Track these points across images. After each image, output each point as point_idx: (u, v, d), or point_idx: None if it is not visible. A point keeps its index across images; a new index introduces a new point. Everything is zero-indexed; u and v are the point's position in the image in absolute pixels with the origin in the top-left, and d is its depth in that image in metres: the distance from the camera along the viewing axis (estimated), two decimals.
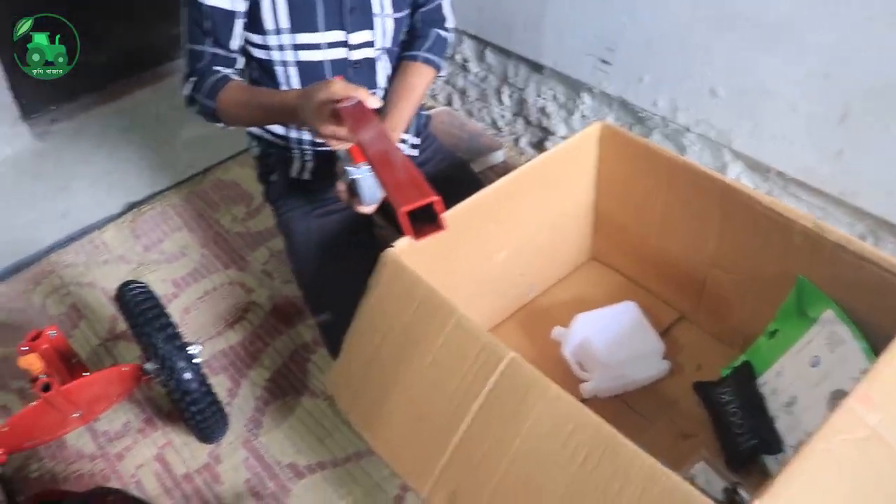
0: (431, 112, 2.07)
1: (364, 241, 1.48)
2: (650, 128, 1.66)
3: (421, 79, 1.47)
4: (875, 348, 1.13)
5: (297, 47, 1.33)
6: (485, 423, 1.02)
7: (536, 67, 1.88)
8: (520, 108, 2.01)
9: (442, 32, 1.50)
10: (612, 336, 1.38)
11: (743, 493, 1.17)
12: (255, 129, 1.46)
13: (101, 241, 1.94)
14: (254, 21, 1.30)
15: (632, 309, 1.43)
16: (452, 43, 1.53)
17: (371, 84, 1.43)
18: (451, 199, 1.27)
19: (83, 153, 2.23)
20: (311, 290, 1.46)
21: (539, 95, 1.91)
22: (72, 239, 1.95)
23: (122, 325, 1.65)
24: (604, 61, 1.67)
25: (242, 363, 1.59)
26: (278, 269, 1.79)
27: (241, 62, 1.36)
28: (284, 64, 1.35)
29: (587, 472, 0.92)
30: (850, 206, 1.39)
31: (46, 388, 1.23)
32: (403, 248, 1.20)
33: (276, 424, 1.46)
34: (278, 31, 1.31)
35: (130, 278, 1.44)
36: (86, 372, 1.41)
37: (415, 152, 1.52)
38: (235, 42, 1.32)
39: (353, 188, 1.21)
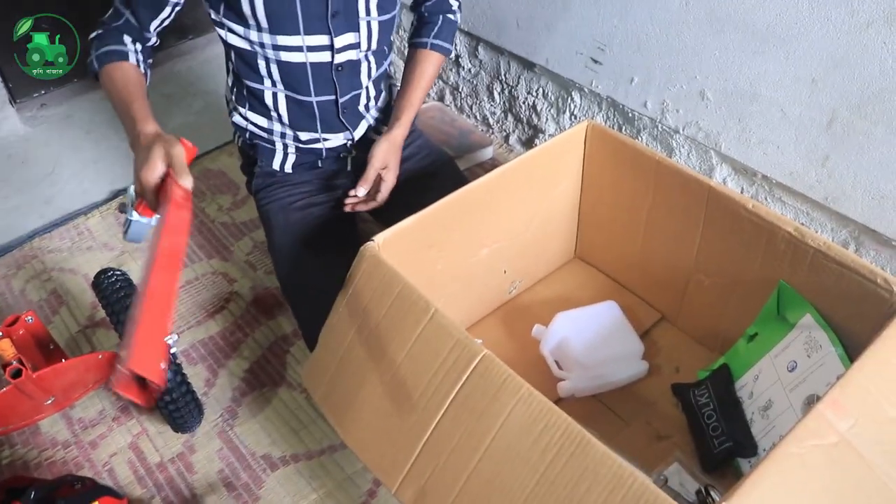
0: (422, 107, 2.07)
1: (345, 235, 1.47)
2: (639, 128, 1.66)
3: (430, 65, 1.49)
4: (851, 355, 1.13)
5: (277, 48, 1.31)
6: (455, 420, 1.01)
7: (528, 65, 1.87)
8: (510, 106, 2.00)
9: (450, 16, 1.51)
10: (591, 336, 1.37)
11: (715, 494, 1.16)
12: (239, 120, 1.45)
13: (86, 227, 1.93)
14: (233, 9, 1.28)
15: (612, 309, 1.43)
16: (460, 23, 1.56)
17: (356, 85, 1.42)
18: (434, 195, 1.27)
19: (71, 139, 2.21)
20: (289, 283, 1.45)
21: (530, 93, 1.91)
22: (56, 225, 1.94)
23: (103, 313, 1.64)
24: (595, 61, 1.66)
25: (221, 353, 1.58)
26: (262, 260, 1.78)
27: (152, 41, 1.32)
28: (266, 60, 1.33)
29: (556, 472, 0.92)
30: (833, 211, 1.39)
31: (17, 374, 1.22)
32: (384, 243, 1.20)
33: (252, 415, 1.45)
34: (259, 28, 1.29)
35: (112, 265, 1.44)
36: (64, 358, 1.40)
37: None
38: (154, 24, 1.30)
39: (125, 225, 1.23)
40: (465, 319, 1.48)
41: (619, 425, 1.34)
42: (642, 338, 1.44)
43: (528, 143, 2.00)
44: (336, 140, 1.46)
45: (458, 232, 1.34)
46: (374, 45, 1.40)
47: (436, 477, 1.02)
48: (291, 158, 1.45)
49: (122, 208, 1.22)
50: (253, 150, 1.47)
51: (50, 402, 1.38)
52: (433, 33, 1.49)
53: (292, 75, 1.34)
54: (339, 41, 1.33)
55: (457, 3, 1.52)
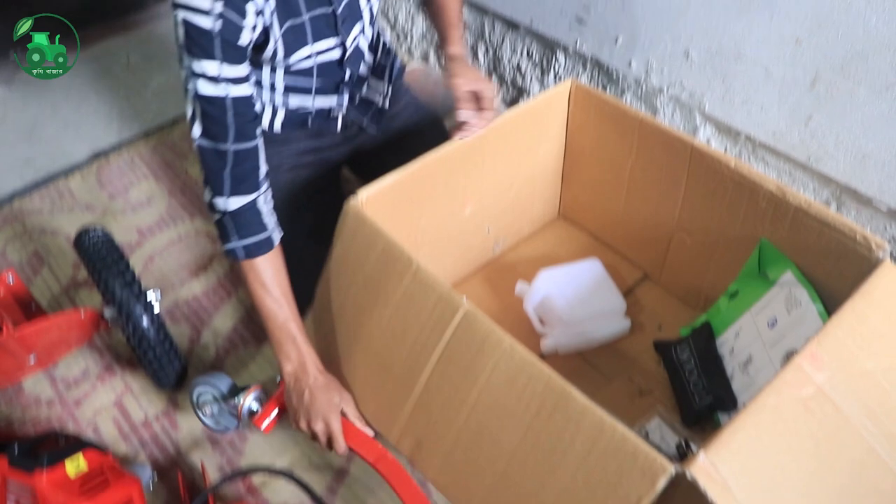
0: (407, 70, 2.05)
1: (332, 195, 1.47)
2: (623, 88, 1.65)
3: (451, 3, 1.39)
4: (830, 311, 1.14)
5: (289, 68, 1.29)
6: (443, 375, 1.03)
7: (512, 25, 1.86)
8: (495, 66, 1.99)
9: None
10: (574, 293, 1.38)
11: (694, 447, 1.18)
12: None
13: (66, 188, 1.91)
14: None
15: (595, 266, 1.44)
16: None
17: (357, 64, 1.39)
18: (419, 153, 1.26)
19: (50, 100, 2.18)
20: None
21: (514, 53, 1.89)
22: (36, 186, 1.91)
23: (85, 273, 1.64)
24: (579, 20, 1.65)
25: (205, 312, 1.58)
26: None
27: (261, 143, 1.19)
28: (272, 69, 1.30)
29: (541, 423, 0.94)
30: (816, 171, 1.39)
31: None
32: (367, 199, 1.19)
33: (236, 373, 1.46)
34: (273, 60, 1.24)
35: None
36: None
37: (386, 104, 1.50)
38: (257, 129, 1.16)
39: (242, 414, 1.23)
40: (448, 277, 1.49)
41: (601, 382, 1.35)
42: (625, 296, 1.45)
43: (513, 104, 1.97)
44: (328, 102, 1.44)
45: (442, 190, 1.34)
46: (372, 21, 1.37)
47: (430, 429, 1.05)
48: (280, 116, 1.43)
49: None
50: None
51: (32, 360, 1.37)
52: None
53: (295, 74, 1.33)
54: (349, 40, 1.30)
55: None
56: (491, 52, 1.97)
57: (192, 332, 1.54)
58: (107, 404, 1.43)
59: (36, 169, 1.96)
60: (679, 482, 0.85)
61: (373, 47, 1.43)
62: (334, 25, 1.25)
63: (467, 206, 1.41)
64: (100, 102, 2.17)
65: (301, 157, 1.44)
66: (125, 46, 2.40)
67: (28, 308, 1.48)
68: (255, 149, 1.15)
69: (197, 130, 1.11)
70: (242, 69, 1.08)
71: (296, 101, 1.38)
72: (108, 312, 1.34)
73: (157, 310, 1.30)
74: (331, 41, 1.27)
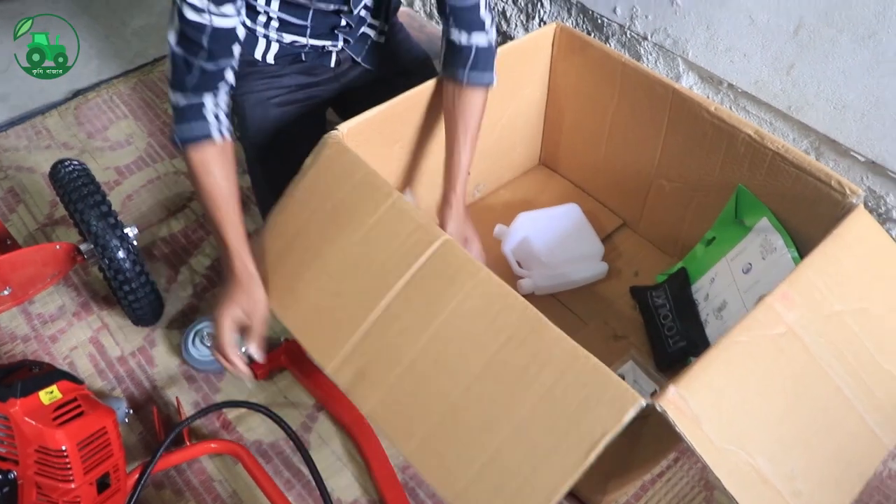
0: None
1: (317, 133, 1.45)
2: (608, 35, 1.64)
3: (473, 108, 1.28)
4: (804, 256, 1.15)
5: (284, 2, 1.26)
6: (407, 301, 1.01)
7: None
8: (443, 96, 1.96)
9: (482, 43, 1.25)
10: (553, 236, 1.39)
11: None
12: None
13: (44, 126, 1.88)
14: None
15: (574, 211, 1.44)
16: (495, 44, 1.29)
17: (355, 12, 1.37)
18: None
19: (27, 37, 2.13)
20: (260, 179, 1.43)
21: None
22: (12, 123, 1.88)
23: (62, 211, 1.62)
24: None
25: (183, 251, 1.57)
26: None
27: (235, 62, 1.15)
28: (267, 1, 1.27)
29: (510, 353, 0.93)
30: (796, 121, 1.39)
31: None
32: (348, 132, 1.18)
33: (212, 310, 1.45)
34: None
35: None
36: None
37: (381, 39, 1.47)
38: (236, 47, 1.12)
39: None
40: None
41: (576, 324, 1.36)
42: (604, 242, 1.46)
43: None
44: (323, 42, 1.41)
45: (423, 128, 1.34)
46: None
47: (378, 357, 1.02)
48: (274, 49, 1.40)
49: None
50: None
51: (7, 292, 1.36)
52: (469, 65, 1.25)
53: (293, 13, 1.29)
54: (357, 7, 1.28)
55: (489, 18, 1.25)
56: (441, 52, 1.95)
57: (169, 270, 1.54)
58: (83, 340, 1.43)
59: (12, 106, 1.93)
60: (648, 417, 0.86)
61: None
62: None
63: (445, 150, 1.40)
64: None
65: (292, 92, 1.41)
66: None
67: (3, 244, 1.46)
68: (225, 69, 1.14)
69: (173, 37, 1.09)
70: (228, 8, 1.06)
71: (290, 37, 1.36)
72: (85, 246, 1.33)
73: (134, 242, 1.29)
74: (333, 4, 1.25)
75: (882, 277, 1.08)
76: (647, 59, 1.58)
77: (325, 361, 1.06)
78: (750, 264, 1.24)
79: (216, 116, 1.14)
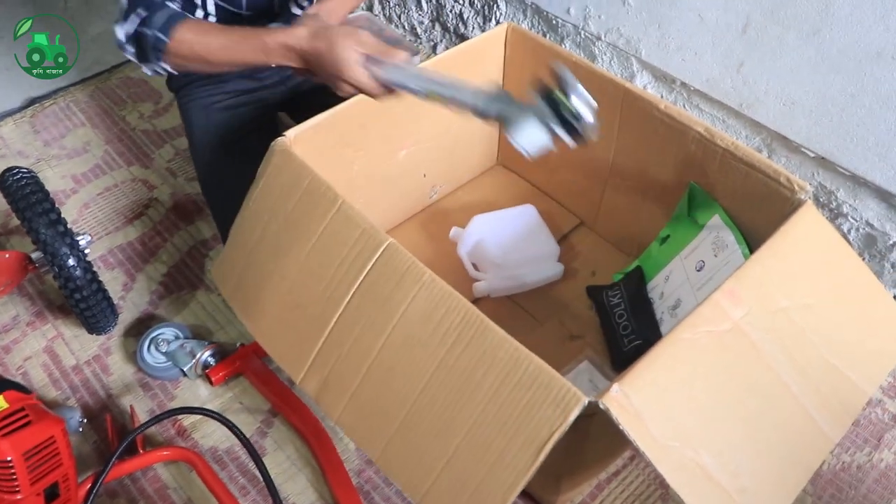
0: (350, 17, 2.02)
1: (268, 138, 1.44)
2: (563, 35, 1.65)
3: None
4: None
5: None
6: (359, 309, 1.02)
7: None
8: (438, 15, 1.97)
9: None
10: (507, 238, 1.39)
11: None
12: None
13: None
14: None
15: (529, 212, 1.44)
16: None
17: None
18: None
19: None
20: (209, 184, 1.42)
21: (456, 1, 1.88)
22: None
23: (17, 221, 1.60)
24: None
25: (139, 258, 1.56)
26: (182, 167, 1.75)
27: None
28: None
29: (455, 357, 0.93)
30: (748, 118, 1.41)
31: None
32: (295, 138, 1.18)
33: (170, 317, 1.44)
34: None
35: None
36: None
37: None
38: None
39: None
40: (383, 223, 1.48)
41: (532, 325, 1.36)
42: (561, 242, 1.46)
43: None
44: None
45: (375, 132, 1.33)
46: None
47: (339, 367, 1.03)
48: None
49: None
50: (187, 78, 1.41)
51: None
52: None
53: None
54: None
55: None
56: (434, 1, 1.95)
57: (126, 277, 1.52)
58: (37, 350, 1.41)
59: None
60: (593, 416, 0.86)
61: None
62: None
63: (402, 150, 1.40)
64: (79, 41, 2.10)
65: (236, 97, 1.41)
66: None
67: None
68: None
69: None
70: None
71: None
72: (36, 255, 1.32)
73: (86, 251, 1.28)
74: None
75: (828, 273, 1.09)
76: (602, 58, 1.59)
77: (294, 373, 1.07)
78: (703, 262, 1.25)
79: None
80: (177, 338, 1.36)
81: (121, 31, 1.15)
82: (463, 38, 1.93)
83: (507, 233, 1.39)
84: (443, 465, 0.94)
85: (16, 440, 1.06)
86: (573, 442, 0.94)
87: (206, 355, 1.31)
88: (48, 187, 1.35)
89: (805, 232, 1.08)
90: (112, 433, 1.24)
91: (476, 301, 1.37)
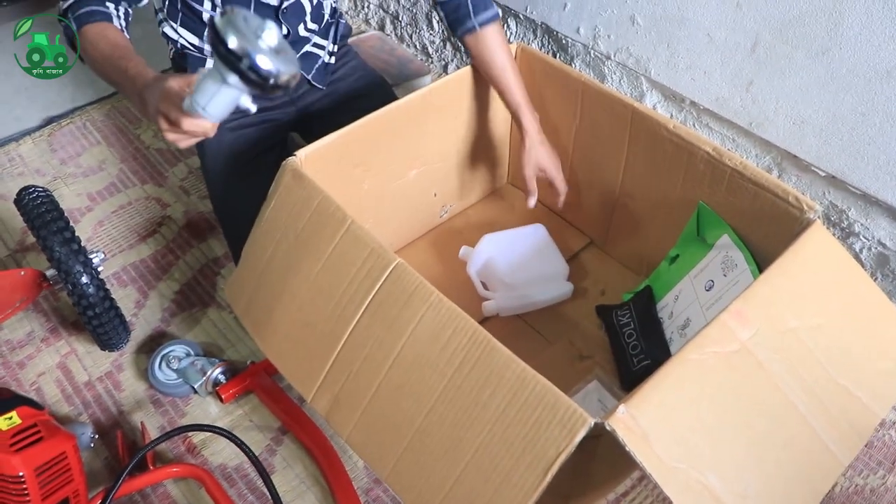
0: (361, 36, 2.04)
1: (277, 156, 1.46)
2: (573, 55, 1.65)
3: (497, 45, 1.33)
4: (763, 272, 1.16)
5: None
6: (368, 329, 1.02)
7: None
8: (449, 34, 1.98)
9: None
10: (517, 257, 1.39)
11: None
12: (169, 32, 1.39)
13: (17, 153, 1.89)
14: None
15: (539, 231, 1.44)
16: None
17: (299, 21, 1.38)
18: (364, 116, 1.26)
19: (3, 65, 2.14)
20: (221, 204, 1.44)
21: None
22: None
23: (34, 238, 1.62)
24: None
25: (152, 276, 1.57)
26: (196, 185, 1.77)
27: (142, 4, 1.20)
28: (213, 5, 1.29)
29: (463, 376, 0.94)
30: (758, 137, 1.41)
31: None
32: (306, 158, 1.19)
33: (181, 335, 1.46)
34: None
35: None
36: None
37: (331, 60, 1.49)
38: None
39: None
40: (394, 242, 1.49)
41: (542, 344, 1.36)
42: (571, 262, 1.46)
43: None
44: None
45: (386, 151, 1.34)
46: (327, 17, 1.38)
47: (349, 385, 1.04)
48: None
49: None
50: (184, 61, 1.43)
51: None
52: (472, 12, 1.31)
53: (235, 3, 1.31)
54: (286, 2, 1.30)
55: None
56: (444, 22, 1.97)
57: (138, 295, 1.54)
58: (50, 366, 1.43)
59: None
60: (600, 437, 0.86)
61: (317, 11, 1.42)
62: None
63: (413, 170, 1.41)
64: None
65: (246, 117, 1.43)
66: None
67: None
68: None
69: None
70: None
71: None
72: (51, 272, 1.34)
73: (99, 268, 1.30)
74: None
75: (838, 293, 1.09)
76: (612, 78, 1.60)
77: (305, 391, 1.08)
78: (712, 281, 1.25)
79: (117, 14, 1.14)
80: (188, 355, 1.37)
81: (62, 3, 1.15)
82: None
83: (517, 252, 1.40)
84: (451, 485, 0.95)
85: (28, 456, 1.07)
86: (580, 463, 0.94)
87: (216, 373, 1.32)
88: (64, 205, 1.38)
89: (814, 251, 1.07)
90: (123, 449, 1.25)
91: (485, 320, 1.37)
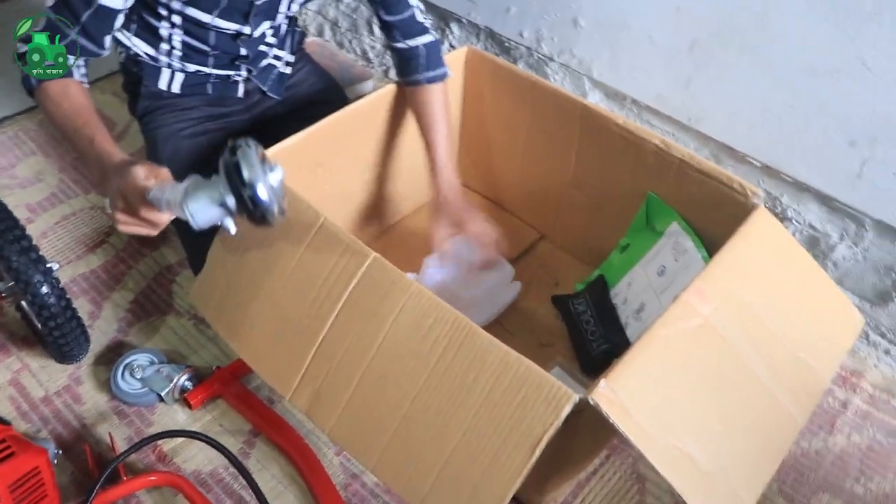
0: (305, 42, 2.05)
1: None
2: (516, 57, 1.71)
3: (437, 103, 1.36)
4: (713, 256, 1.23)
5: (186, 20, 1.26)
6: (347, 322, 1.04)
7: None
8: (408, 98, 2.01)
9: (428, 40, 1.35)
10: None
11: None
12: (120, 37, 1.35)
13: None
14: None
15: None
16: (438, 39, 1.40)
17: (256, 45, 1.39)
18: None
19: None
20: None
21: None
22: None
23: None
24: None
25: (104, 286, 1.54)
26: None
27: (104, 55, 1.20)
28: (171, 24, 1.29)
29: (446, 364, 0.97)
30: (696, 131, 1.49)
31: None
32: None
33: (140, 344, 1.44)
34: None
35: None
36: None
37: (287, 70, 1.51)
38: (108, 38, 1.17)
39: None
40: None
41: (504, 336, 1.37)
42: (523, 255, 1.51)
43: None
44: (226, 71, 1.43)
45: (344, 152, 1.36)
46: (284, 29, 1.41)
47: (330, 379, 1.05)
48: (179, 78, 1.40)
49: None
50: (137, 68, 1.41)
51: None
52: (422, 67, 1.35)
53: (197, 38, 1.31)
54: (256, 32, 1.32)
55: (426, 21, 1.36)
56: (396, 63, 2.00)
57: (92, 306, 1.51)
58: (2, 383, 1.38)
59: None
60: (582, 412, 0.90)
61: (279, 26, 1.43)
62: (246, 15, 1.27)
63: (369, 170, 1.44)
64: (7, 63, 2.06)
65: (202, 123, 1.42)
66: (13, 16, 2.26)
67: None
68: (94, 54, 1.18)
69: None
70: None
71: (193, 67, 1.38)
72: (2, 285, 1.30)
73: (56, 277, 1.27)
74: (234, 25, 1.28)
75: (784, 270, 1.18)
76: (554, 78, 1.66)
77: (284, 389, 1.09)
78: (664, 266, 1.32)
79: (77, 67, 1.16)
80: (151, 363, 1.35)
81: (21, 47, 1.15)
82: None
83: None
84: (439, 469, 0.97)
85: (1, 472, 1.04)
86: (561, 441, 0.98)
87: (183, 379, 1.31)
88: (7, 206, 1.33)
89: (760, 233, 1.15)
90: (92, 462, 1.22)
91: None
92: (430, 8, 1.85)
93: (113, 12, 1.14)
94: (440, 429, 0.97)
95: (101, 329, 1.46)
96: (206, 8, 1.23)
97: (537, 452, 0.91)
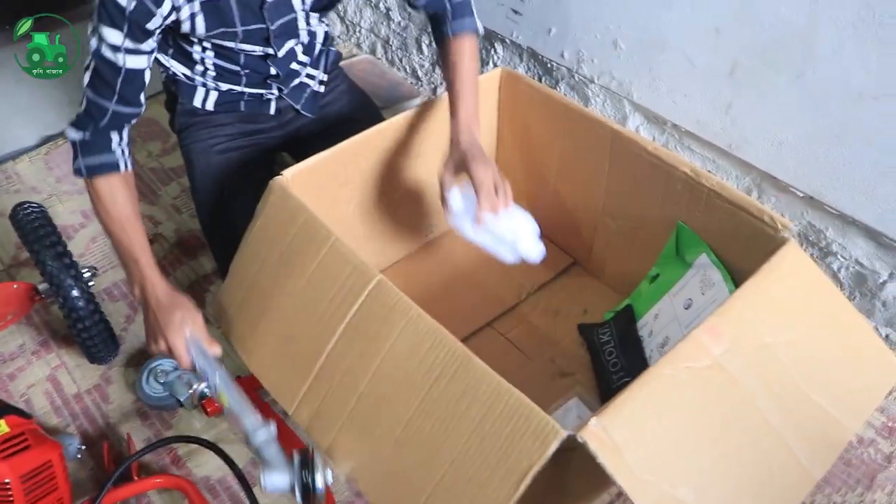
0: (353, 60, 2.08)
1: (264, 178, 1.48)
2: (557, 78, 1.69)
3: (463, 55, 1.33)
4: None
5: (216, 45, 1.32)
6: (349, 343, 1.05)
7: None
8: (438, 58, 2.02)
9: None
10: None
11: None
12: (161, 58, 1.43)
13: (14, 171, 1.92)
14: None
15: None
16: None
17: (287, 65, 1.42)
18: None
19: (2, 86, 2.18)
20: (209, 224, 1.47)
21: None
22: None
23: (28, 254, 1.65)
24: (515, 11, 1.69)
25: None
26: (187, 203, 1.79)
27: (141, 113, 1.24)
28: (203, 48, 1.34)
29: (439, 390, 0.96)
30: (737, 158, 1.43)
31: None
32: (293, 177, 1.22)
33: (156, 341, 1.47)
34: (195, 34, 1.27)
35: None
36: None
37: (321, 88, 1.53)
38: (143, 95, 1.22)
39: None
40: (380, 261, 1.51)
41: (522, 361, 1.38)
42: (553, 281, 1.49)
43: None
44: (259, 90, 1.46)
45: (372, 172, 1.37)
46: (319, 49, 1.45)
47: (329, 398, 1.06)
48: (213, 96, 1.45)
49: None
50: (174, 86, 1.47)
51: None
52: (450, 19, 1.33)
53: (228, 59, 1.36)
54: (281, 52, 1.36)
55: None
56: (433, 45, 2.01)
57: (129, 309, 1.56)
58: (40, 378, 1.44)
59: None
60: (575, 450, 0.88)
61: (309, 44, 1.46)
62: (267, 39, 1.31)
63: (398, 190, 1.44)
64: (52, 88, 2.17)
65: (234, 140, 1.46)
66: (82, 33, 2.40)
67: None
68: (133, 116, 1.22)
69: (87, 79, 1.18)
70: (145, 46, 1.16)
71: (226, 85, 1.42)
72: (43, 286, 1.36)
73: (90, 283, 1.32)
74: (259, 48, 1.32)
75: (811, 309, 1.11)
76: (595, 101, 1.63)
77: (287, 404, 1.11)
78: (690, 300, 1.27)
79: (122, 151, 1.22)
80: (175, 369, 1.39)
81: (70, 133, 1.22)
82: None
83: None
84: (428, 496, 0.96)
85: (14, 463, 1.09)
86: (555, 476, 0.96)
87: (202, 386, 1.34)
88: (58, 222, 1.40)
89: (788, 269, 1.10)
90: (108, 460, 1.26)
91: (466, 338, 1.38)
92: None
93: (140, 73, 1.18)
94: (430, 455, 0.96)
95: (135, 333, 1.51)
96: (229, 38, 1.28)
97: (523, 486, 0.88)
